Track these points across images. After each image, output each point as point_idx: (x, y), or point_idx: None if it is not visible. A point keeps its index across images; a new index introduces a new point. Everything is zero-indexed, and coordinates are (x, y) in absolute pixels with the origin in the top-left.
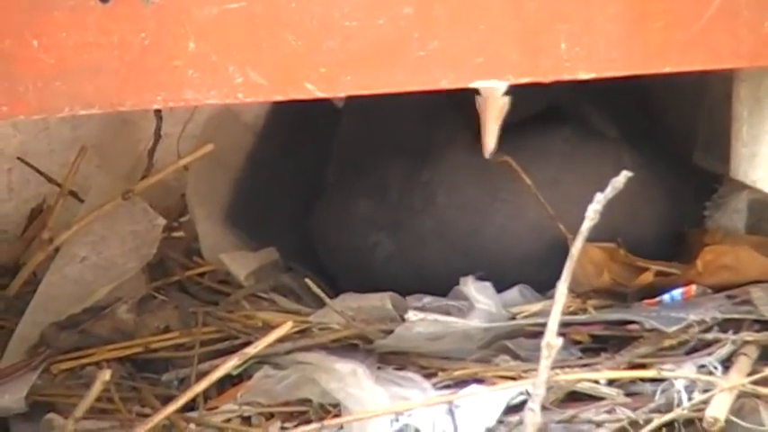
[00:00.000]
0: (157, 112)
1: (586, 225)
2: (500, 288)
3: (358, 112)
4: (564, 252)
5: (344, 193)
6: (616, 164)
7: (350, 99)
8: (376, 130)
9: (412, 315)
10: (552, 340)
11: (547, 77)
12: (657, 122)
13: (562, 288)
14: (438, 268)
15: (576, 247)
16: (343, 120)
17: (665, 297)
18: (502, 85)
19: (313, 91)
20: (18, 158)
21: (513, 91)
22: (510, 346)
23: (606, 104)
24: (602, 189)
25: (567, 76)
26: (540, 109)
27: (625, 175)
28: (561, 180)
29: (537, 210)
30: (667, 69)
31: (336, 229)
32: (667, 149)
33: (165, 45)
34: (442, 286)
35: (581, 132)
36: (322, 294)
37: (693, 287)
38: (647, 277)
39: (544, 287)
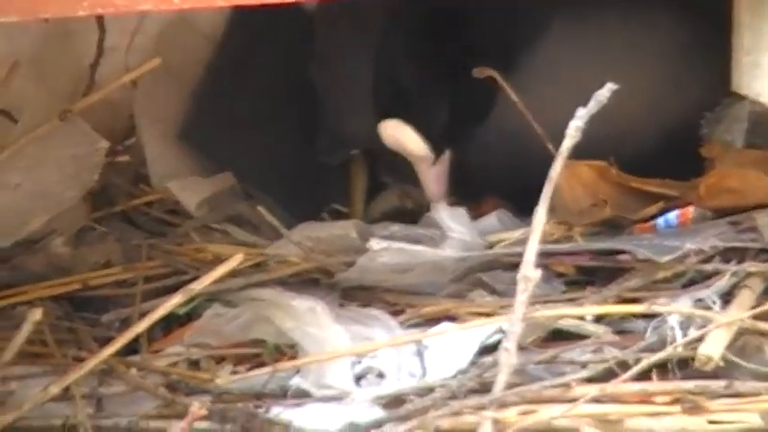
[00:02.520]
0: (100, 21)
1: (567, 144)
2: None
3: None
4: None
5: None
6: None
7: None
8: None
9: (375, 244)
10: (530, 272)
11: None
12: None
13: (540, 214)
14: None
15: (556, 170)
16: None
17: (659, 221)
18: None
19: None
20: None
21: None
22: (486, 279)
23: None
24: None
25: None
26: None
27: (609, 88)
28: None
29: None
30: None
31: None
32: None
33: None
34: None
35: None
36: (277, 223)
37: (691, 209)
38: (651, 210)
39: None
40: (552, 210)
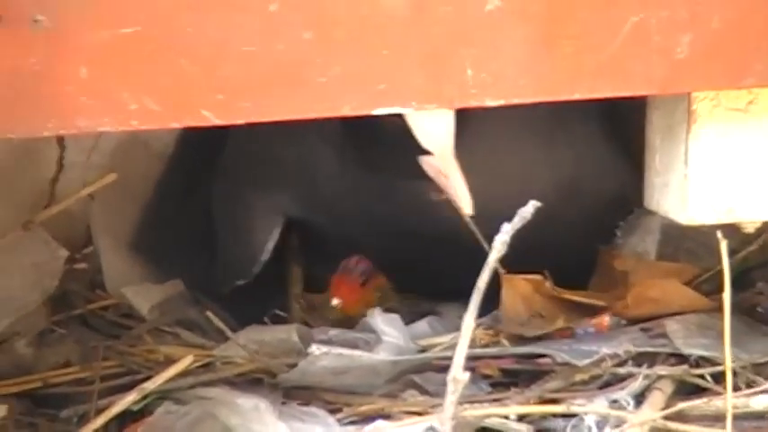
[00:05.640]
0: (60, 140)
1: (494, 257)
2: None
3: None
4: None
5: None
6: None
7: None
8: None
9: (315, 349)
10: (459, 374)
11: (452, 105)
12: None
13: (468, 320)
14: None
15: (483, 279)
16: None
17: (578, 329)
18: (405, 112)
19: (210, 118)
20: None
21: None
22: (418, 380)
23: None
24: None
25: (473, 103)
26: None
27: (533, 204)
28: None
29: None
30: (577, 96)
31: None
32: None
33: (55, 71)
34: None
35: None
36: (223, 327)
37: (606, 318)
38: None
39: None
40: (499, 321)
